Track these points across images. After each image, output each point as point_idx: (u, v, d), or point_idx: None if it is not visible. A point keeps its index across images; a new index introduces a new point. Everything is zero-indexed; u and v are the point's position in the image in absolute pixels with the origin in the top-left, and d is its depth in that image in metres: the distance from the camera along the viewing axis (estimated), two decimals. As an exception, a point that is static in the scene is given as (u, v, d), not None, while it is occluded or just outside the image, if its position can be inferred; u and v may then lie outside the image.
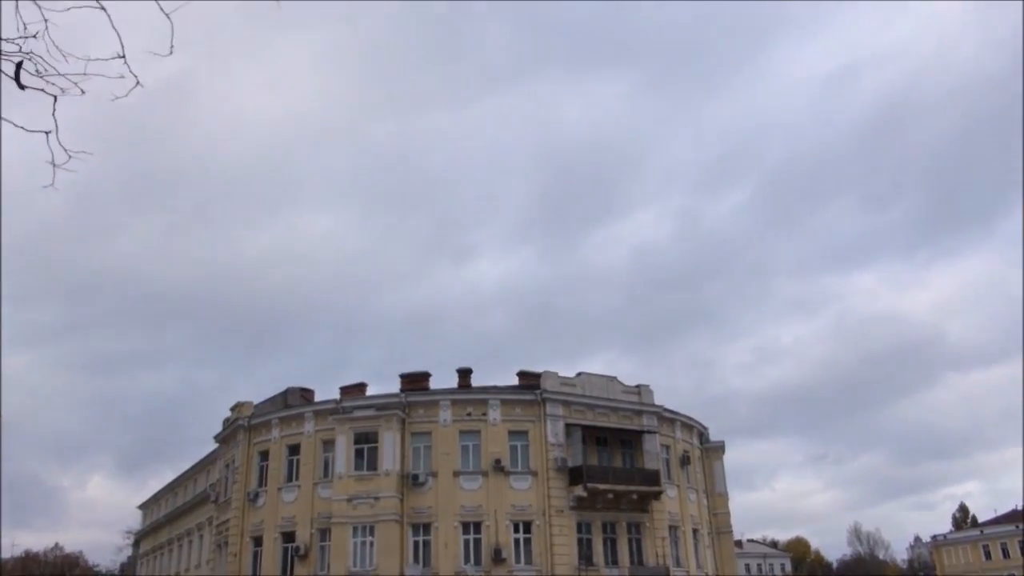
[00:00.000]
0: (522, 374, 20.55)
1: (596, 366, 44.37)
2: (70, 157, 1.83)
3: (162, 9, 2.05)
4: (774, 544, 61.69)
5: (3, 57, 1.82)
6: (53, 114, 1.82)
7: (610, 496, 19.08)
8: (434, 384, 20.28)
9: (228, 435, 22.11)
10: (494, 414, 19.17)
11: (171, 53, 2.10)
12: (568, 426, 19.43)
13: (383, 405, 19.07)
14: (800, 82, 59.12)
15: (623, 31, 56.83)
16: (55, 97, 1.82)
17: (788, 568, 56.47)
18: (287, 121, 53.27)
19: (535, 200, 54.96)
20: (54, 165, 1.85)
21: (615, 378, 20.78)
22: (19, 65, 1.84)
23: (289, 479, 19.91)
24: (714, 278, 56.26)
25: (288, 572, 19.14)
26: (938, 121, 55.56)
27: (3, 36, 1.83)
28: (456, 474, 18.67)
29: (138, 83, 1.83)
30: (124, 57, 1.85)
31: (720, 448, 23.65)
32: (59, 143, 1.83)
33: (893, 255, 63.48)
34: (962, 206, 59.28)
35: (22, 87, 1.82)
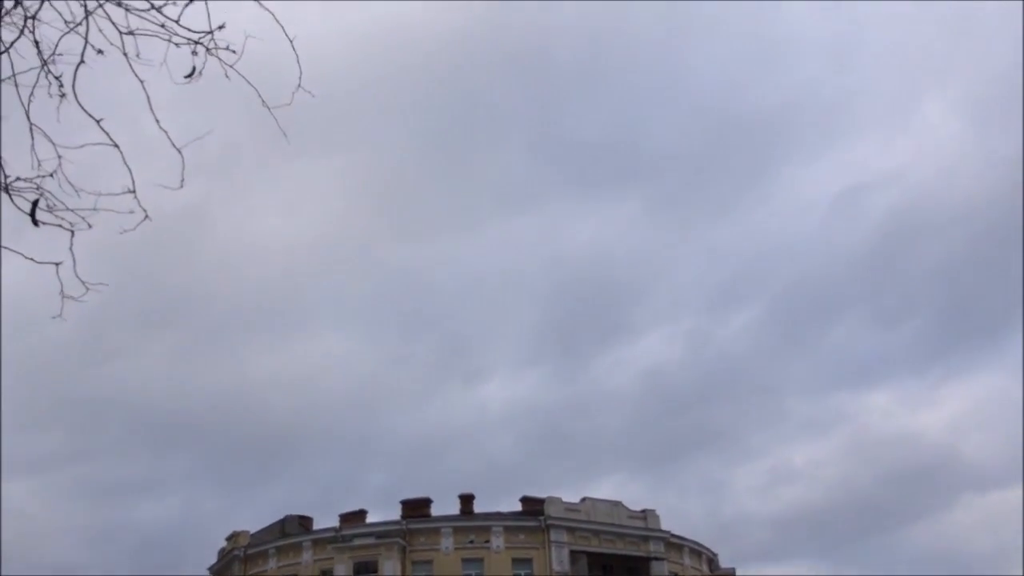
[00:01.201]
0: (525, 499, 20.15)
1: (605, 490, 43.52)
2: (88, 289, 1.86)
3: (173, 144, 2.11)
4: (790, 677, 59.07)
5: (19, 194, 1.87)
6: (71, 248, 1.85)
7: (618, 627, 18.42)
8: (436, 510, 19.87)
9: (223, 567, 21.49)
10: (497, 541, 18.71)
11: (182, 186, 2.15)
12: (573, 553, 18.92)
13: (383, 533, 18.63)
14: (807, 203, 60.26)
15: (632, 154, 58.32)
16: (72, 232, 1.86)
17: None
18: (301, 245, 54.00)
19: (545, 322, 55.18)
20: (64, 296, 1.87)
21: (620, 503, 20.37)
22: (35, 203, 1.89)
23: (286, 612, 19.25)
24: (725, 399, 55.91)
25: None
26: (944, 240, 56.33)
27: (18, 175, 1.88)
28: (458, 605, 18.07)
29: (147, 217, 1.87)
30: (134, 192, 1.90)
31: (731, 575, 22.96)
32: (77, 276, 1.86)
33: (905, 373, 63.25)
34: (971, 323, 59.51)
35: (37, 224, 1.86)
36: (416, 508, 19.78)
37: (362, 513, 20.09)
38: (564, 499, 19.59)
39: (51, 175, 1.86)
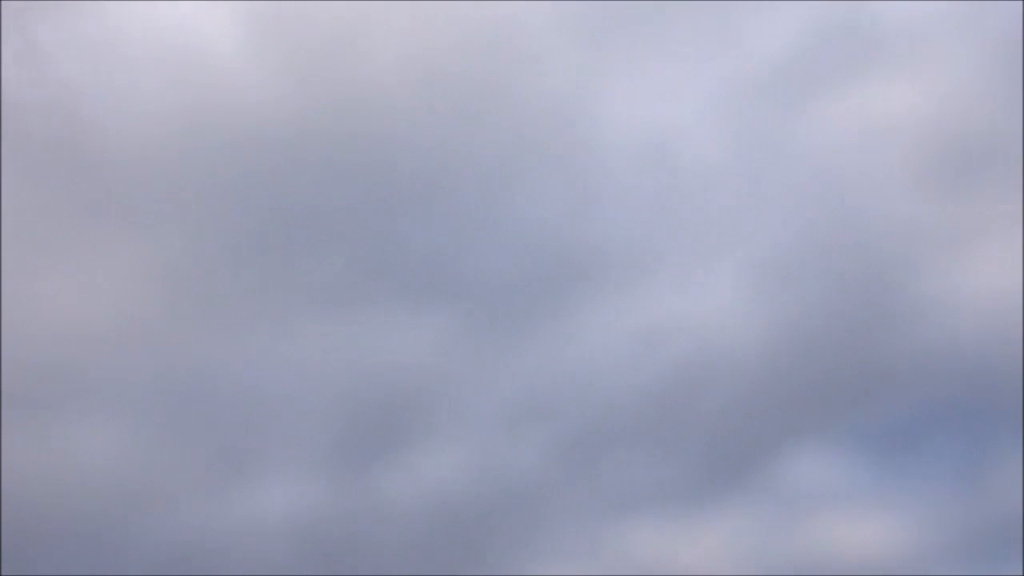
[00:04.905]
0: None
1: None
2: None
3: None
4: None
5: None
6: None
7: None
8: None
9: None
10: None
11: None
12: None
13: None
14: (606, 338, 61.76)
15: (450, 274, 57.70)
16: None
17: None
18: (95, 325, 49.12)
19: (336, 431, 51.96)
20: None
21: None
22: None
23: None
24: (503, 521, 54.65)
25: None
26: (722, 388, 59.06)
27: None
28: None
29: None
30: None
31: None
32: None
33: (669, 506, 64.84)
34: (734, 465, 62.25)
35: None
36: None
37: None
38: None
39: None
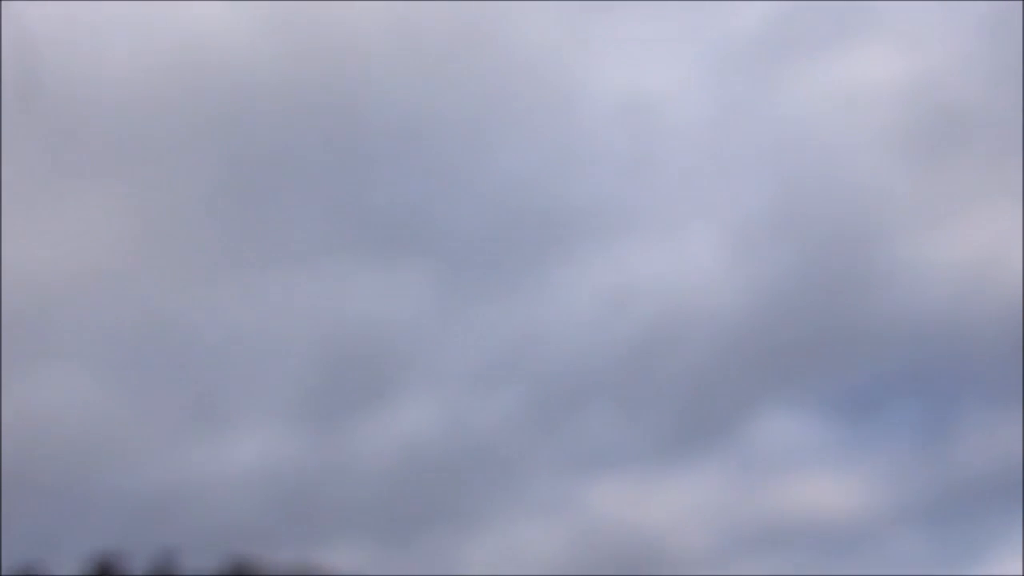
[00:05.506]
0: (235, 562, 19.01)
1: (337, 559, 41.45)
2: None
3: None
4: None
5: None
6: None
7: None
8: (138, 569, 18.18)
9: None
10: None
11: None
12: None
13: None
14: (580, 296, 62.86)
15: (425, 227, 57.60)
16: None
17: None
18: (61, 273, 47.70)
19: (308, 382, 51.93)
20: None
21: None
22: None
23: None
24: (473, 476, 55.79)
25: None
26: (695, 348, 60.97)
27: None
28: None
29: None
30: None
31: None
32: None
33: (637, 464, 67.33)
34: (704, 424, 64.68)
35: None
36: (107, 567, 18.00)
37: None
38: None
39: None
